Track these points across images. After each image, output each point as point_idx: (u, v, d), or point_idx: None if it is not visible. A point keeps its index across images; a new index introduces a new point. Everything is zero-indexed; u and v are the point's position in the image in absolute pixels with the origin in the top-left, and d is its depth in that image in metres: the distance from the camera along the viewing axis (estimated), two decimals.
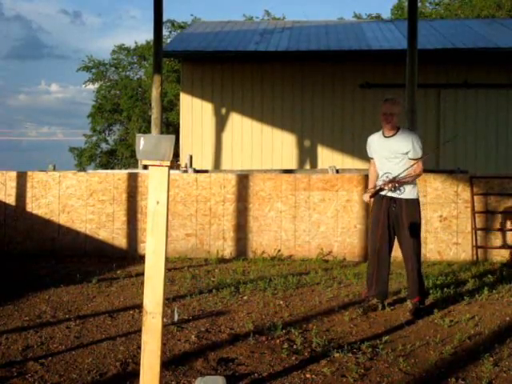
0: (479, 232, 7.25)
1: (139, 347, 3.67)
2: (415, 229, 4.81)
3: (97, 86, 29.33)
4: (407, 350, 3.93)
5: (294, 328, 4.35)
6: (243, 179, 7.51)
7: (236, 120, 12.93)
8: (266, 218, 7.43)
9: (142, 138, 2.69)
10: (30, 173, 7.74)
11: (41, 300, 5.22)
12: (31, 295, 5.36)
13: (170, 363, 3.64)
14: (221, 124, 12.97)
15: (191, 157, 10.42)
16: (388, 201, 4.82)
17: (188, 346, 4.00)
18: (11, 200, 7.65)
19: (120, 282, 5.98)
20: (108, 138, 29.37)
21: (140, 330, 2.91)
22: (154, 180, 2.72)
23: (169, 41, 21.98)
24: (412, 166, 4.72)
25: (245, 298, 5.34)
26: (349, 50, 12.68)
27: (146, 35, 58.86)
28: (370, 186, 5.07)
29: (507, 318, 4.71)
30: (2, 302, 5.08)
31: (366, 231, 7.15)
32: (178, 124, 15.37)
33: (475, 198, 7.25)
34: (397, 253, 5.07)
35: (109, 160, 28.39)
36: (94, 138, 29.17)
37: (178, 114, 16.00)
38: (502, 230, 7.28)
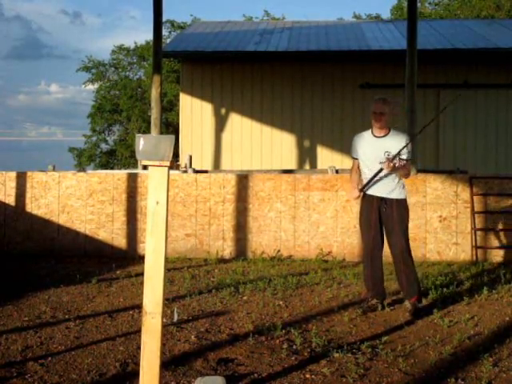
0: (479, 232, 7.25)
1: (139, 347, 3.67)
2: (405, 229, 4.83)
3: (96, 86, 29.33)
4: (407, 350, 3.94)
5: (294, 328, 4.35)
6: (243, 179, 7.51)
7: (236, 120, 12.92)
8: (266, 219, 7.43)
9: (141, 139, 2.70)
10: (29, 173, 7.73)
11: (40, 300, 5.22)
12: (31, 295, 5.36)
13: (170, 363, 3.65)
14: (220, 124, 12.96)
15: (191, 157, 10.41)
16: (378, 201, 4.82)
17: (188, 346, 4.01)
18: (11, 200, 7.65)
19: (120, 283, 5.97)
20: (108, 139, 29.34)
21: (140, 331, 2.91)
22: (154, 180, 2.73)
23: (168, 41, 21.96)
24: (407, 162, 4.75)
25: (244, 298, 5.34)
26: (348, 50, 12.66)
27: (145, 35, 58.96)
28: (353, 186, 5.06)
29: (507, 318, 4.71)
30: (1, 302, 5.08)
31: None
32: (178, 124, 15.35)
33: (475, 198, 7.25)
34: (389, 253, 5.04)
35: (108, 160, 28.34)
36: (94, 139, 29.12)
37: (178, 114, 15.98)
38: (502, 230, 7.28)
